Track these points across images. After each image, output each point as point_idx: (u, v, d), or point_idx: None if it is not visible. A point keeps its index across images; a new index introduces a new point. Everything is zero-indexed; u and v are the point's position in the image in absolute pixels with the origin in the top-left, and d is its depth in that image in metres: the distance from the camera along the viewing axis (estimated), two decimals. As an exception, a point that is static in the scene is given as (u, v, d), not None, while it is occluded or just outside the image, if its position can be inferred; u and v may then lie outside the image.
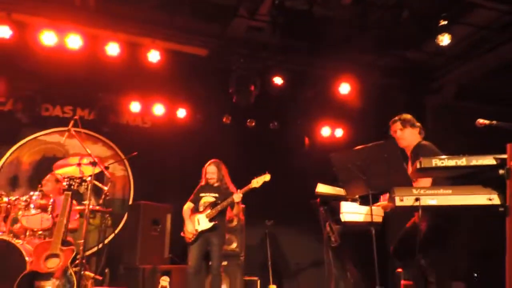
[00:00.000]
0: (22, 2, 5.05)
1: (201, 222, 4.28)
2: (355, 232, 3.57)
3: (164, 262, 5.01)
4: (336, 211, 3.51)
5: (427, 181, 3.12)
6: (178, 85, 6.36)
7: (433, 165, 2.67)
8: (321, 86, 6.59)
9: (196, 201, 4.45)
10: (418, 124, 3.47)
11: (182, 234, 4.38)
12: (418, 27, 5.85)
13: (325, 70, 6.58)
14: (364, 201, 3.42)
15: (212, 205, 4.33)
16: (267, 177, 4.45)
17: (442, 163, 2.66)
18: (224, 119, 6.76)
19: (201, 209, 4.37)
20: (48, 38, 5.17)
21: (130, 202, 6.19)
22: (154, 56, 5.64)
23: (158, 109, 6.47)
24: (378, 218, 3.19)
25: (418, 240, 2.80)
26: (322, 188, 3.70)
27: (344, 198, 3.49)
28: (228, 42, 6.18)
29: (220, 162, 4.67)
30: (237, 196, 4.31)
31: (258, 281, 5.18)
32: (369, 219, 3.07)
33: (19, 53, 5.27)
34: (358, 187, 3.25)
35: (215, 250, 4.23)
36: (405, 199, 2.76)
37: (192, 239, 4.25)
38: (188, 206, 4.46)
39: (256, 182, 4.39)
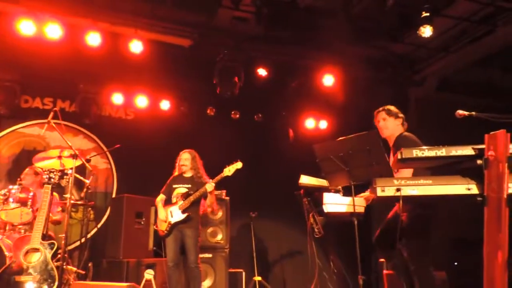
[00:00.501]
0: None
1: (174, 214, 4.21)
2: (338, 223, 3.61)
3: (148, 255, 4.97)
4: (319, 203, 3.54)
5: (408, 172, 3.16)
6: (162, 77, 6.27)
7: (414, 155, 2.69)
8: (306, 78, 6.58)
9: (169, 193, 4.39)
10: (401, 115, 3.51)
11: (155, 227, 4.33)
12: (401, 19, 5.90)
13: (309, 61, 6.57)
14: (346, 192, 3.45)
15: (185, 196, 4.27)
16: (239, 164, 4.42)
17: (423, 153, 2.68)
18: (208, 111, 6.71)
19: (173, 200, 4.31)
20: (26, 27, 5.03)
21: (114, 195, 6.12)
22: (136, 46, 5.55)
23: (141, 101, 6.38)
24: (360, 209, 3.22)
25: (399, 230, 2.83)
26: (305, 180, 3.71)
27: (327, 189, 3.51)
28: (212, 33, 6.11)
29: (195, 152, 4.61)
30: (210, 186, 4.26)
31: (243, 273, 5.18)
32: (351, 210, 3.10)
33: (-2, 42, 5.13)
34: (340, 178, 3.27)
35: (190, 243, 4.16)
36: (386, 190, 2.78)
37: (166, 232, 4.18)
38: (160, 198, 4.40)
39: (228, 171, 4.36)
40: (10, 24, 5.04)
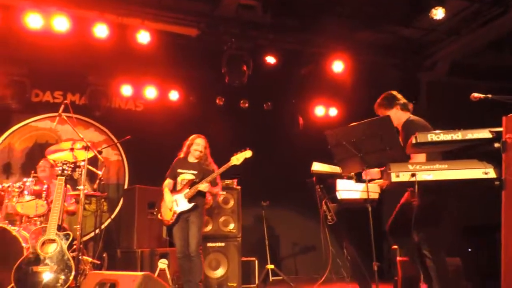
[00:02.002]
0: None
1: (180, 203, 4.05)
2: (351, 209, 3.59)
3: (161, 245, 5.01)
4: (332, 189, 3.52)
5: (421, 157, 3.12)
6: (170, 67, 6.25)
7: (429, 139, 2.66)
8: (315, 65, 6.53)
9: (174, 177, 4.23)
10: (401, 101, 3.35)
11: (159, 217, 4.16)
12: (411, 2, 5.79)
13: (318, 48, 6.50)
14: (359, 178, 3.42)
15: (190, 184, 4.10)
16: (248, 153, 4.24)
17: (438, 137, 2.65)
18: (217, 101, 6.69)
19: (178, 187, 4.15)
20: (33, 20, 5.04)
21: (125, 186, 6.17)
22: (144, 37, 5.53)
23: (150, 92, 6.38)
24: (374, 195, 3.19)
25: (413, 216, 2.80)
26: (317, 167, 3.69)
27: (340, 176, 3.48)
28: (218, 22, 6.07)
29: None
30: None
31: (256, 261, 5.20)
32: (365, 196, 3.07)
33: (5, 37, 5.13)
34: (353, 164, 3.24)
35: (193, 229, 4.00)
36: (401, 175, 2.76)
37: (172, 221, 4.04)
38: (168, 182, 4.23)
39: (236, 159, 4.18)
40: (18, 18, 5.04)
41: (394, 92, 3.49)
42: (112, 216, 5.75)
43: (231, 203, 5.15)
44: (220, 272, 4.89)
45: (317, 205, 4.06)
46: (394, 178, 2.77)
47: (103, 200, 5.09)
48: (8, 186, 3.99)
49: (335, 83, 6.57)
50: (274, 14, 5.97)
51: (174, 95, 6.48)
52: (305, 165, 5.59)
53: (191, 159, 4.29)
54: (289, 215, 6.44)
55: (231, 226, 5.06)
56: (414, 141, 2.72)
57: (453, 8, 5.62)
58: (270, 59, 6.07)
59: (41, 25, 5.05)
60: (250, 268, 5.17)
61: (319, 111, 7.08)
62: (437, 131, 2.67)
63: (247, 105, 6.85)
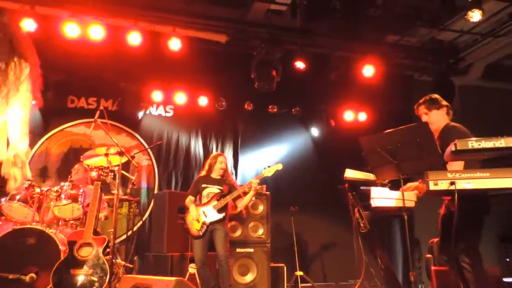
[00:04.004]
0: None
1: (209, 214, 4.20)
2: (385, 217, 3.52)
3: (191, 250, 5.03)
4: (365, 197, 3.46)
5: (459, 164, 3.02)
6: (199, 73, 6.33)
7: (469, 147, 2.58)
8: (344, 69, 6.46)
9: (197, 193, 4.38)
10: (444, 103, 3.27)
11: (188, 228, 4.26)
12: (443, 4, 5.66)
13: (348, 52, 6.46)
14: (393, 185, 3.36)
15: (219, 196, 4.27)
16: (279, 166, 4.37)
17: (479, 145, 2.57)
18: (246, 106, 6.72)
19: (204, 200, 4.30)
20: (71, 30, 5.23)
21: (155, 191, 6.26)
22: (175, 44, 5.64)
23: (180, 98, 6.47)
24: (410, 203, 3.12)
25: (453, 225, 2.71)
26: (350, 173, 3.64)
27: (374, 183, 3.42)
28: (247, 27, 6.12)
29: None
30: (254, 185, 4.25)
31: (285, 268, 5.17)
32: (401, 204, 3.01)
33: (44, 46, 5.31)
34: (388, 172, 3.17)
35: (221, 236, 4.14)
36: (439, 183, 2.68)
37: (201, 232, 4.17)
38: (189, 199, 4.36)
39: (268, 171, 4.33)
40: (56, 27, 5.24)
41: (438, 95, 3.39)
42: (143, 220, 5.84)
43: (260, 208, 5.14)
44: (249, 277, 4.88)
45: (348, 212, 4.01)
46: (432, 187, 2.70)
47: (134, 204, 5.17)
48: (47, 190, 4.12)
49: (365, 87, 6.48)
50: (303, 19, 5.95)
51: (203, 101, 6.54)
52: (334, 170, 5.54)
53: (214, 175, 4.44)
54: (317, 221, 6.37)
55: (260, 231, 5.05)
56: (453, 149, 2.64)
57: (489, 9, 5.46)
58: (300, 64, 6.05)
59: (78, 34, 5.23)
60: (279, 274, 5.13)
61: (348, 116, 6.99)
62: (478, 138, 2.58)
63: (275, 110, 6.84)
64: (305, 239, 6.25)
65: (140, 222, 5.68)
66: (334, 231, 6.22)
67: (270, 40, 6.12)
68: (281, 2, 5.66)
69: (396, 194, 3.16)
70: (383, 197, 3.21)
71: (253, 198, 4.85)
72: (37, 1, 5.05)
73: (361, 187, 3.58)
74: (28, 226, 3.81)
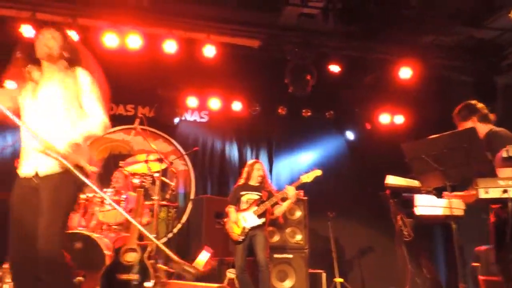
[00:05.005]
0: (85, 7, 5.25)
1: (249, 220, 4.24)
2: (427, 225, 3.43)
3: (230, 255, 5.08)
4: (408, 204, 3.38)
5: (509, 171, 2.90)
6: (233, 78, 6.38)
7: (523, 153, 2.48)
8: (380, 72, 6.34)
9: (236, 200, 4.41)
10: (479, 109, 3.15)
11: (229, 233, 4.31)
12: (483, 2, 5.47)
13: (383, 54, 6.33)
14: (438, 193, 3.26)
15: (258, 202, 4.30)
16: (318, 172, 4.38)
17: (534, 151, 2.46)
18: (279, 110, 6.72)
19: (244, 206, 4.33)
20: (110, 39, 5.38)
21: (192, 196, 6.35)
22: (209, 50, 5.70)
23: (214, 103, 6.54)
24: (459, 212, 3.02)
25: (508, 234, 2.61)
26: (392, 180, 3.56)
27: (417, 190, 3.34)
28: (280, 32, 6.11)
29: None
30: (292, 192, 4.26)
31: (324, 274, 5.11)
32: (448, 212, 2.92)
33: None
34: (434, 179, 3.10)
35: (261, 242, 4.18)
36: (490, 191, 2.60)
37: (241, 237, 4.21)
38: (230, 208, 4.41)
39: (307, 177, 4.34)
40: (96, 38, 5.40)
41: (474, 102, 3.27)
42: (181, 225, 5.94)
43: (297, 214, 5.11)
44: (287, 284, 4.87)
45: (387, 218, 3.93)
46: (482, 195, 2.62)
47: (173, 209, 5.26)
48: (92, 196, 4.25)
49: (402, 89, 6.34)
50: (336, 21, 5.89)
51: (237, 106, 6.59)
52: (370, 175, 5.45)
53: (253, 182, 4.48)
54: (355, 227, 6.28)
55: (298, 237, 5.02)
56: (505, 155, 2.55)
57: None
58: (334, 68, 6.00)
59: (116, 44, 5.38)
60: (317, 280, 5.08)
61: (385, 118, 6.86)
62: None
63: (309, 114, 6.80)
64: (342, 245, 6.17)
65: (179, 226, 5.78)
66: (373, 238, 6.12)
67: (303, 44, 6.09)
68: (314, 5, 5.63)
69: (443, 202, 3.07)
70: (428, 204, 3.13)
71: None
72: (79, 13, 5.21)
73: (404, 194, 3.50)
74: (76, 231, 3.95)
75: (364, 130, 6.89)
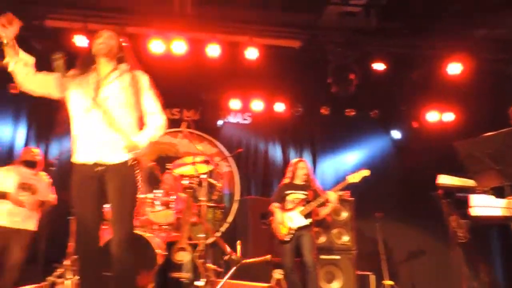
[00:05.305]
0: (132, 16, 5.47)
1: (295, 220, 4.22)
2: (486, 226, 3.28)
3: (276, 255, 5.10)
4: (462, 204, 3.24)
5: None
6: (275, 79, 6.42)
7: None
8: (427, 68, 6.15)
9: (281, 200, 4.39)
10: None
11: (275, 232, 4.30)
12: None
13: (430, 50, 6.12)
14: (496, 192, 3.11)
15: (305, 202, 4.26)
16: (365, 172, 4.29)
17: None
18: (322, 110, 6.66)
19: (289, 206, 4.30)
20: (156, 46, 5.57)
21: (237, 197, 6.44)
22: (251, 53, 5.76)
23: (257, 105, 6.60)
24: (519, 212, 2.87)
25: None
26: (444, 180, 3.44)
27: (472, 190, 3.20)
28: (321, 31, 6.06)
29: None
30: (333, 195, 4.22)
31: (373, 276, 5.01)
32: (507, 213, 2.78)
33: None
34: (490, 178, 2.96)
35: (309, 242, 4.15)
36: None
37: (287, 237, 4.19)
38: (275, 206, 4.39)
39: (353, 177, 4.26)
40: (143, 45, 5.61)
41: None
42: (227, 225, 6.04)
43: (343, 214, 5.05)
44: (335, 285, 4.81)
45: (438, 219, 3.79)
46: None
47: (218, 210, 5.35)
48: (144, 198, 4.42)
49: (451, 86, 6.11)
50: (379, 18, 5.78)
51: (279, 107, 6.61)
52: (419, 174, 5.29)
53: (298, 181, 4.45)
54: (404, 228, 6.09)
55: (345, 238, 4.95)
56: None
57: None
58: (378, 66, 5.88)
59: (162, 50, 5.56)
60: (365, 283, 4.99)
61: (432, 116, 6.63)
62: None
63: (353, 113, 6.70)
64: (391, 247, 6.01)
65: (227, 226, 5.87)
66: (423, 239, 5.92)
67: (346, 43, 6.01)
68: (355, 3, 5.55)
69: (502, 202, 2.93)
70: (485, 205, 2.99)
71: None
72: (127, 22, 5.44)
73: (457, 194, 3.37)
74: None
75: (411, 128, 6.70)
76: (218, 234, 5.48)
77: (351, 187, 4.93)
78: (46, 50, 5.29)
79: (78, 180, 2.48)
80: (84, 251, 2.45)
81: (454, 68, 5.80)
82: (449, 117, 6.58)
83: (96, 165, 2.45)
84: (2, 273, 3.91)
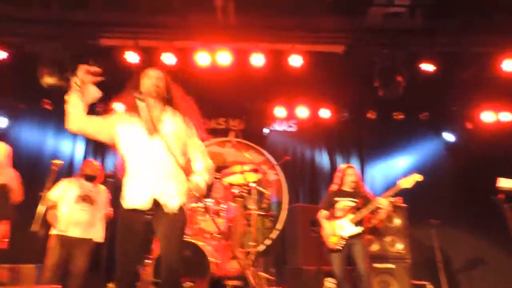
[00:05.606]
0: (179, 30, 5.65)
1: (346, 228, 4.13)
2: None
3: (326, 263, 5.03)
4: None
5: None
6: (319, 85, 6.37)
7: None
8: (479, 67, 5.86)
9: (329, 206, 4.31)
10: None
11: (326, 241, 4.21)
12: None
13: (483, 47, 5.83)
14: None
15: (354, 209, 4.17)
16: (418, 176, 4.11)
17: None
18: (369, 115, 6.53)
19: (339, 214, 4.22)
20: (202, 58, 5.72)
21: (284, 205, 6.43)
22: (295, 60, 5.76)
23: (302, 112, 6.59)
24: None
25: None
26: (505, 183, 3.27)
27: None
28: (365, 34, 5.95)
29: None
30: (385, 202, 4.09)
31: (430, 286, 4.80)
32: None
33: (181, 76, 5.90)
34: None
35: (361, 251, 4.06)
36: None
37: (338, 246, 4.11)
38: (323, 214, 4.31)
39: (405, 183, 4.10)
40: (190, 58, 5.78)
41: None
42: (277, 233, 6.04)
43: (396, 221, 4.91)
44: (390, 295, 4.68)
45: (500, 225, 3.60)
46: None
47: (267, 218, 5.37)
48: (196, 207, 4.52)
49: (506, 83, 5.78)
50: (425, 17, 5.61)
51: (325, 113, 6.56)
52: (476, 178, 5.03)
53: (346, 188, 4.36)
54: (462, 236, 5.80)
55: (399, 246, 4.80)
56: None
57: None
58: (426, 66, 5.68)
59: (208, 62, 5.71)
60: (422, 292, 4.81)
61: (488, 116, 6.30)
62: None
63: (401, 117, 6.51)
64: (449, 255, 5.75)
65: (276, 233, 5.87)
66: (483, 247, 5.61)
67: (391, 44, 5.87)
68: (400, 3, 5.42)
69: None
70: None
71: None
72: (174, 36, 5.63)
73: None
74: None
75: (464, 130, 6.40)
76: (268, 241, 5.48)
77: (402, 192, 4.79)
78: (101, 68, 5.63)
79: (126, 224, 2.48)
80: (123, 271, 2.45)
81: (510, 65, 5.50)
82: (506, 117, 6.23)
83: (146, 211, 2.43)
84: (69, 280, 4.13)
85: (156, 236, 2.52)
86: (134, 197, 2.47)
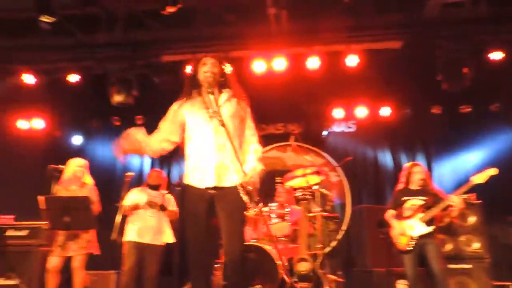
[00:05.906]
0: (235, 40, 5.82)
1: (416, 227, 3.96)
2: None
3: (396, 265, 4.88)
4: None
5: None
6: (378, 83, 6.24)
7: None
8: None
9: (397, 207, 4.16)
10: None
11: (396, 242, 4.08)
12: None
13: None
14: None
15: (424, 207, 3.99)
16: (492, 171, 3.88)
17: None
18: (433, 110, 6.27)
19: (407, 213, 4.06)
20: (258, 66, 5.84)
21: (348, 206, 6.34)
22: (351, 60, 5.70)
23: (361, 112, 6.48)
24: None
25: None
26: None
27: None
28: (424, 27, 5.74)
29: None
30: (457, 199, 3.89)
31: (515, 287, 4.51)
32: None
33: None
34: None
35: (435, 251, 3.89)
36: None
37: (410, 247, 3.96)
38: (390, 213, 4.19)
39: (479, 178, 3.88)
40: (246, 66, 5.93)
41: None
42: (343, 235, 5.98)
43: (471, 219, 4.64)
44: (469, 297, 4.43)
45: None
46: None
47: (331, 220, 5.33)
48: (261, 211, 4.61)
49: None
50: (490, 4, 5.31)
51: (385, 111, 6.40)
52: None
53: (414, 186, 4.20)
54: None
55: (476, 245, 4.53)
56: None
57: None
58: (495, 55, 5.36)
59: (264, 69, 5.82)
60: (507, 294, 4.51)
61: None
62: None
63: (469, 110, 6.18)
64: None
65: (341, 235, 5.81)
66: None
67: (454, 36, 5.61)
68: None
69: None
70: None
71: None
72: (231, 47, 5.81)
73: None
74: (249, 243, 4.33)
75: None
76: (334, 243, 5.43)
77: (476, 189, 4.54)
78: (164, 83, 5.96)
79: (190, 201, 2.63)
80: (195, 262, 2.56)
81: None
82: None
83: (208, 188, 2.57)
84: (141, 285, 4.38)
85: (217, 217, 2.61)
86: (198, 176, 2.61)
